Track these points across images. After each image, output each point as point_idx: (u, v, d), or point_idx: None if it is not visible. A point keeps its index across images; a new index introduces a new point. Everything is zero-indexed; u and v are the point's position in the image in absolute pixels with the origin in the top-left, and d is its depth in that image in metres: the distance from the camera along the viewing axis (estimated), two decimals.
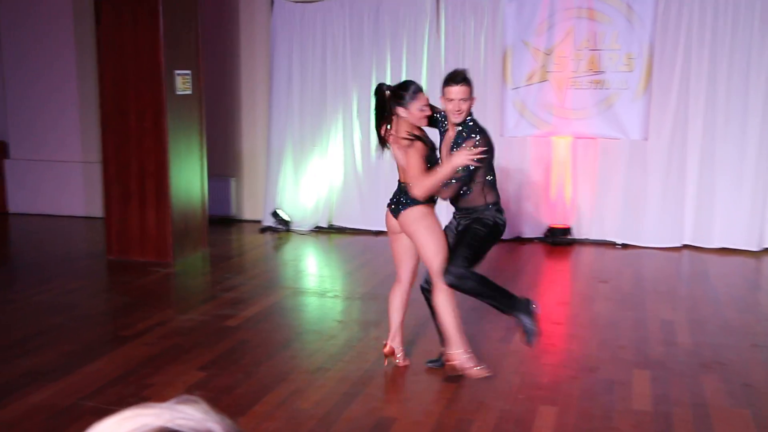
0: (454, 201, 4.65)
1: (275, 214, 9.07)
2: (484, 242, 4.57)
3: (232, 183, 9.56)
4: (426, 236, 4.56)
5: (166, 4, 7.22)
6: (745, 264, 7.60)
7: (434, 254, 4.56)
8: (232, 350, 5.09)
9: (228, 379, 4.58)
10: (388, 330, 4.87)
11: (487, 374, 4.56)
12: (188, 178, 7.72)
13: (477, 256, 4.55)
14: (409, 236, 4.64)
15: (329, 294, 6.54)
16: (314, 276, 7.29)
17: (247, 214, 9.68)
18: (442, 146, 4.69)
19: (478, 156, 4.37)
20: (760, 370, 4.76)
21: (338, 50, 8.78)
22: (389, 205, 4.76)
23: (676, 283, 7.02)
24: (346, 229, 9.06)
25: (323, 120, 8.95)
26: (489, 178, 4.58)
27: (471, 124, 4.54)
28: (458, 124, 4.54)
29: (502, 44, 8.27)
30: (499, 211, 4.61)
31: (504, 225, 4.64)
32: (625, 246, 8.20)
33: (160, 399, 3.97)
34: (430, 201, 4.61)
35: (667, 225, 8.15)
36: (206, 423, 0.89)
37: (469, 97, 4.51)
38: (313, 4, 8.82)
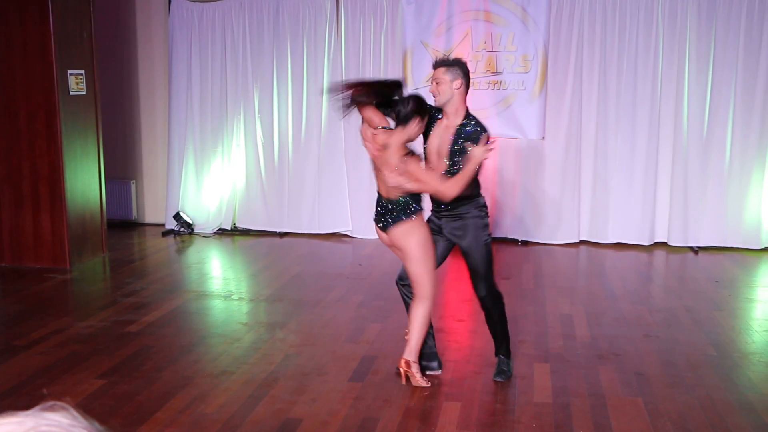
0: (439, 201, 4.49)
1: (177, 217, 8.88)
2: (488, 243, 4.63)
3: (132, 186, 9.31)
4: (418, 252, 4.40)
5: (56, 1, 6.97)
6: (638, 258, 7.90)
7: (425, 271, 4.44)
8: (133, 356, 4.96)
9: (129, 387, 4.45)
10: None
11: (427, 384, 4.50)
12: (85, 180, 7.47)
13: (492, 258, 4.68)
14: (400, 249, 4.46)
15: (234, 296, 6.44)
16: (218, 279, 7.18)
17: (149, 218, 9.45)
18: (432, 134, 4.51)
19: (491, 149, 4.38)
20: (651, 360, 4.95)
21: (238, 50, 8.67)
22: (377, 223, 4.52)
23: (574, 278, 7.23)
24: (250, 231, 8.97)
25: (224, 120, 8.83)
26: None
27: (474, 121, 4.45)
28: (462, 121, 4.42)
29: (401, 45, 8.33)
30: (482, 203, 4.59)
31: (487, 214, 4.66)
32: (525, 243, 8.40)
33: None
34: (419, 209, 4.44)
35: (565, 222, 8.40)
36: (73, 429, 0.84)
37: (445, 81, 4.36)
38: (211, 3, 8.68)
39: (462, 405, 4.24)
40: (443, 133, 4.44)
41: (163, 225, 9.17)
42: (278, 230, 8.89)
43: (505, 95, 8.23)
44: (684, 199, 8.17)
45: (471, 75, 8.23)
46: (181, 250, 8.28)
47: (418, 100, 4.38)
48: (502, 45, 8.17)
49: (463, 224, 4.54)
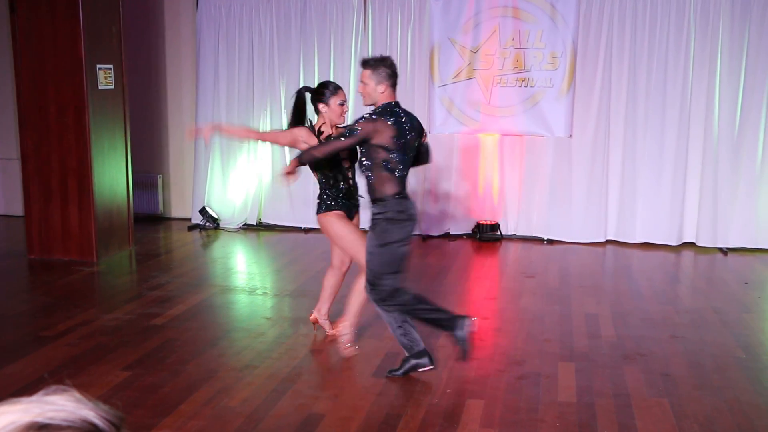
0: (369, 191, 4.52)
1: (203, 212, 8.94)
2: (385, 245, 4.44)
3: (159, 180, 9.38)
4: (342, 240, 4.88)
5: None
6: (665, 258, 7.81)
7: (355, 252, 4.79)
8: (157, 349, 4.99)
9: (153, 379, 4.48)
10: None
11: (354, 353, 4.89)
12: (112, 175, 7.54)
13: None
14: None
15: (258, 291, 6.47)
16: (243, 273, 7.21)
17: (175, 212, 9.52)
18: None
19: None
20: (678, 361, 4.90)
21: (265, 46, 8.70)
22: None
23: (600, 277, 7.17)
24: (275, 226, 9.00)
25: (250, 116, 8.86)
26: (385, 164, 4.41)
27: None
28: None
29: (429, 41, 8.32)
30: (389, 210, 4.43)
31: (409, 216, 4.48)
32: (551, 242, 8.35)
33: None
34: (333, 208, 4.93)
35: (592, 221, 8.33)
36: (79, 411, 0.84)
37: (370, 84, 4.45)
38: (239, 0, 8.72)
39: (485, 403, 4.22)
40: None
41: (189, 219, 9.23)
42: (303, 226, 8.91)
43: (533, 92, 8.18)
44: (713, 200, 8.07)
45: (499, 71, 8.29)
46: (206, 245, 8.33)
47: (302, 93, 5.27)
48: (531, 42, 8.12)
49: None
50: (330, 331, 5.25)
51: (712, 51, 7.87)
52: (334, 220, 4.90)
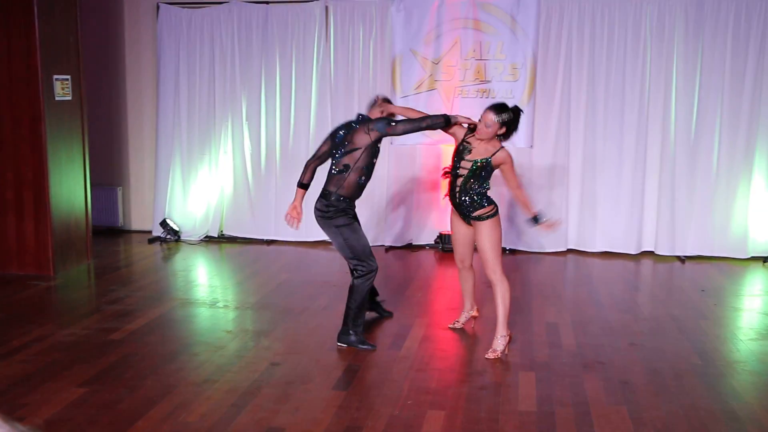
0: (355, 194, 5.33)
1: (164, 224, 8.86)
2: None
3: (119, 192, 9.28)
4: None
5: (41, 4, 6.94)
6: (625, 267, 7.91)
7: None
8: (115, 365, 4.92)
9: (110, 395, 4.42)
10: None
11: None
12: (70, 187, 7.44)
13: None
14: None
15: (219, 304, 6.41)
16: (204, 286, 7.14)
17: (135, 225, 9.43)
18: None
19: None
20: (637, 368, 4.95)
21: (226, 56, 8.66)
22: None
23: (561, 286, 7.23)
24: (237, 238, 8.94)
25: (212, 127, 8.81)
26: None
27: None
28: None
29: (390, 53, 8.34)
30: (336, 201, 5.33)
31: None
32: (512, 251, 8.40)
33: (35, 419, 3.74)
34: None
35: (554, 230, 8.39)
36: None
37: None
38: (199, 9, 8.67)
39: (446, 414, 4.22)
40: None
41: (149, 232, 9.15)
42: (265, 238, 8.87)
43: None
44: (671, 209, 8.20)
45: (460, 83, 8.40)
46: (167, 258, 8.25)
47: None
48: (491, 53, 8.18)
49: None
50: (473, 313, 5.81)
51: (668, 59, 8.01)
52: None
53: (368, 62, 8.42)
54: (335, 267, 7.85)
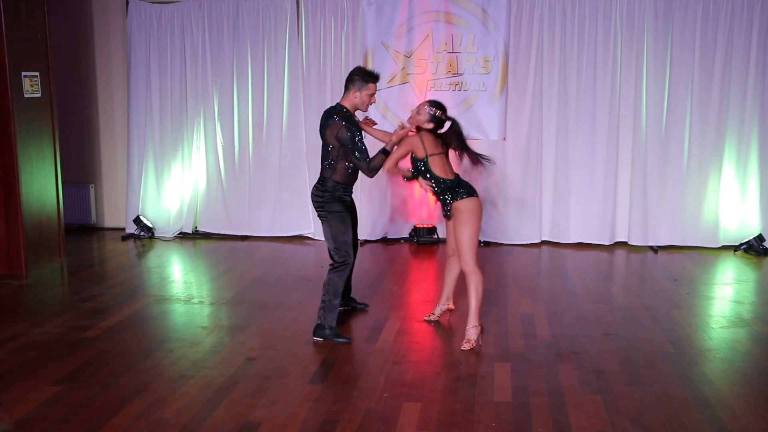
0: (349, 180, 5.45)
1: (138, 221, 8.79)
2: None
3: (91, 189, 9.20)
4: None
5: (7, 1, 6.85)
6: (599, 258, 7.97)
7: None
8: (89, 362, 4.89)
9: (84, 393, 4.39)
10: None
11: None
12: (41, 185, 7.36)
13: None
14: None
15: (194, 300, 6.38)
16: (179, 282, 7.10)
17: (108, 222, 9.36)
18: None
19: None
20: (611, 357, 5.00)
21: (197, 51, 8.61)
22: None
23: (536, 278, 7.28)
24: (211, 234, 8.90)
25: (184, 123, 8.76)
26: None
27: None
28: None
29: (362, 47, 8.33)
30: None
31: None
32: (487, 243, 8.44)
33: (9, 418, 3.70)
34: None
35: (527, 222, 8.46)
36: None
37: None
38: (169, 4, 8.60)
39: (422, 405, 4.24)
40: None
41: (122, 229, 9.08)
42: (240, 233, 8.84)
43: (466, 96, 8.26)
44: (643, 199, 8.28)
45: (433, 76, 8.43)
46: (141, 255, 8.19)
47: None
48: (463, 46, 8.21)
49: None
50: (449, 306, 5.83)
51: (638, 52, 8.08)
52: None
53: (340, 56, 8.40)
54: (310, 262, 7.85)
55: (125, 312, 5.99)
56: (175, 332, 5.62)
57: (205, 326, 5.68)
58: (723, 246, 8.25)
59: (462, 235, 5.19)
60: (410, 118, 5.28)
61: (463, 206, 5.21)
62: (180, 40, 8.63)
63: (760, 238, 8.08)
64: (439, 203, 5.43)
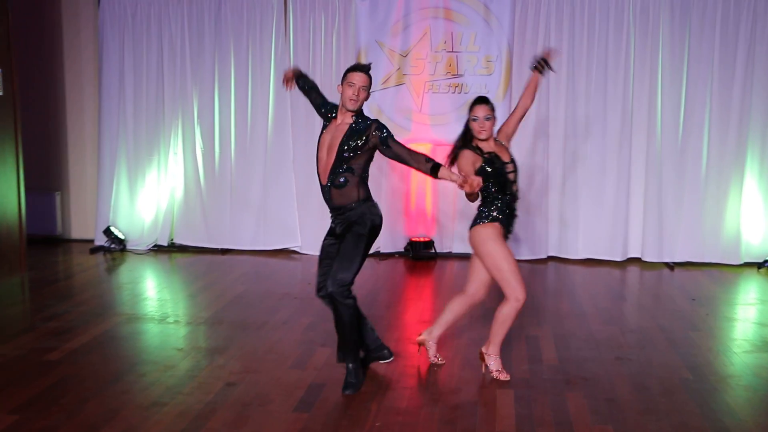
0: (330, 198, 4.92)
1: (108, 232, 8.76)
2: (366, 247, 4.92)
3: (57, 197, 9.17)
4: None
5: None
6: (610, 275, 7.95)
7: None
8: (52, 388, 4.83)
9: (45, 422, 4.32)
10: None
11: (507, 378, 5.02)
12: (1, 192, 7.34)
13: (360, 263, 4.90)
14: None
15: (170, 319, 6.34)
16: (153, 300, 7.06)
17: (76, 233, 9.33)
18: (326, 131, 4.97)
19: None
20: (623, 384, 4.96)
21: (176, 49, 8.59)
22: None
23: (542, 296, 7.25)
24: (188, 247, 8.86)
25: (160, 126, 8.73)
26: (365, 174, 4.98)
27: (361, 118, 4.89)
28: (353, 120, 4.87)
29: (355, 45, 8.33)
30: (374, 206, 4.98)
31: (380, 219, 5.01)
32: None
33: None
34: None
35: (532, 236, 8.43)
36: None
37: (368, 91, 4.87)
38: None
39: None
40: (335, 131, 4.90)
41: (91, 241, 9.04)
42: (220, 246, 8.80)
43: (467, 99, 8.23)
44: (659, 212, 8.26)
45: (430, 77, 8.43)
46: (111, 269, 8.15)
47: None
48: (464, 45, 8.20)
49: (349, 221, 4.95)
50: (433, 358, 5.30)
51: (653, 50, 8.10)
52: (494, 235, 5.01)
53: (331, 56, 8.39)
54: (296, 278, 7.81)
55: (93, 332, 5.94)
56: (148, 355, 5.57)
57: (180, 348, 5.64)
58: (745, 263, 8.24)
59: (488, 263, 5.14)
60: (480, 133, 5.26)
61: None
62: (157, 35, 8.61)
63: None
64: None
